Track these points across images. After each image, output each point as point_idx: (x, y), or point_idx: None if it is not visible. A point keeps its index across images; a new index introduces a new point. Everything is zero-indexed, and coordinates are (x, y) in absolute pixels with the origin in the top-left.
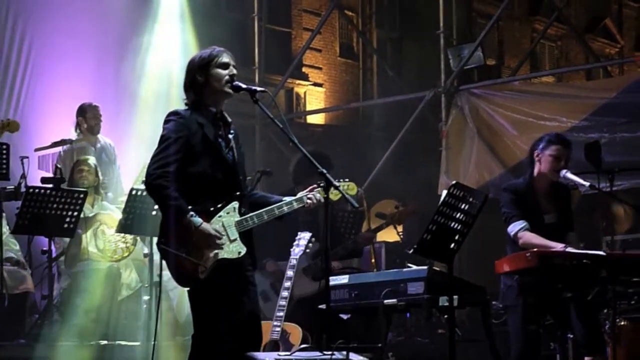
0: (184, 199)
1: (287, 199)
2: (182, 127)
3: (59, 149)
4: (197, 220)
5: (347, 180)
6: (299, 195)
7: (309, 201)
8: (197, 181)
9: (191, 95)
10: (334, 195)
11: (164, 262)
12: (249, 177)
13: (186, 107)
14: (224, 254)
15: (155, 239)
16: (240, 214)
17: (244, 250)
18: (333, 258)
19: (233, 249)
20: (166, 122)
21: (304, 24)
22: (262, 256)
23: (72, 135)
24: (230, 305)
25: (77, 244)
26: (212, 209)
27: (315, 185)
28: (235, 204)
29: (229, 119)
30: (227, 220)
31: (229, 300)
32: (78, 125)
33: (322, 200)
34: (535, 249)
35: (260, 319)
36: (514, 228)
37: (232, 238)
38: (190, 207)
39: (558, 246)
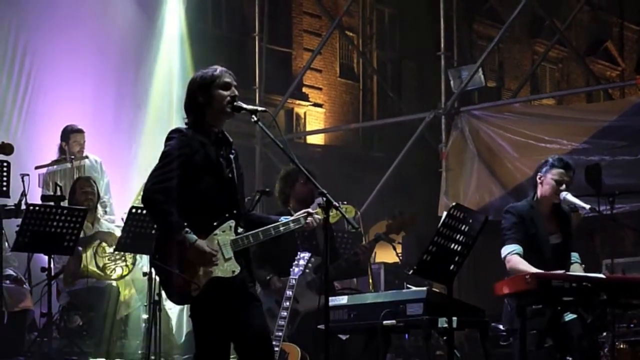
0: (181, 216)
1: (284, 219)
2: (185, 145)
3: (60, 166)
4: (192, 237)
5: (344, 202)
6: (296, 215)
7: (308, 221)
8: (196, 199)
9: (192, 116)
10: (332, 217)
11: None
12: (248, 198)
13: (187, 127)
14: (217, 272)
15: None
16: (236, 233)
17: (237, 270)
18: (335, 272)
19: (227, 267)
20: (168, 139)
21: (304, 44)
22: (266, 274)
23: (58, 157)
24: (232, 324)
25: (77, 262)
26: (207, 227)
27: (309, 209)
28: (232, 223)
29: (230, 139)
30: (222, 238)
31: (231, 319)
32: (61, 149)
33: (321, 221)
34: (534, 271)
35: (270, 333)
36: (504, 250)
37: (226, 257)
38: (186, 224)
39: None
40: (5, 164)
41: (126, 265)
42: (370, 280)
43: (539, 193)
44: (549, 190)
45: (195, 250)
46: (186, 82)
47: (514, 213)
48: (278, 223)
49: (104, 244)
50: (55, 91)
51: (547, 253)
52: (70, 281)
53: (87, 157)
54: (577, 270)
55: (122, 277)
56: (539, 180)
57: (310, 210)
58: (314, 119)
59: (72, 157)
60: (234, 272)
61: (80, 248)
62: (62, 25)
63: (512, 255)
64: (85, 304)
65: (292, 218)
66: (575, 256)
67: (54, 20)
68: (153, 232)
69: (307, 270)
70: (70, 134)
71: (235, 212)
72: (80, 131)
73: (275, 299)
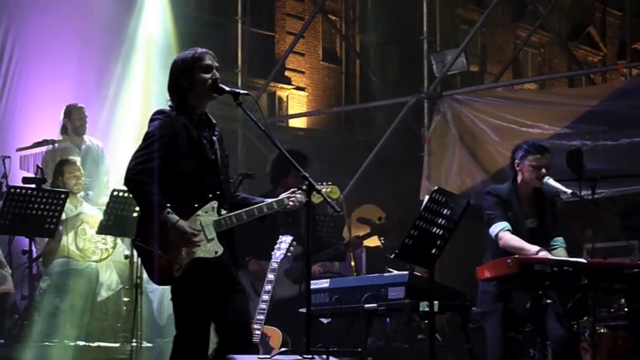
0: (165, 197)
1: (268, 200)
2: (168, 126)
3: (41, 149)
4: (174, 217)
5: (329, 182)
6: (280, 197)
7: (290, 203)
8: (179, 181)
9: (175, 98)
10: (315, 198)
11: None
12: (231, 180)
13: (171, 109)
14: (200, 252)
15: None
16: (219, 214)
17: (220, 250)
18: (315, 262)
19: (210, 248)
20: (152, 120)
21: (287, 28)
22: (244, 255)
23: (59, 136)
24: (213, 305)
25: (56, 243)
26: (189, 207)
27: (296, 189)
28: (214, 204)
29: (214, 121)
30: (204, 219)
31: (212, 300)
32: (64, 127)
33: (304, 202)
34: (516, 256)
35: (250, 318)
36: (495, 229)
37: (209, 237)
38: (168, 205)
39: (533, 249)
40: None
41: (106, 249)
42: (352, 264)
43: (519, 178)
44: (529, 176)
45: (177, 230)
46: (169, 62)
47: (493, 194)
48: (261, 204)
49: (85, 225)
50: (37, 73)
51: (523, 236)
52: (49, 262)
53: (67, 140)
54: (561, 254)
55: (101, 259)
56: (517, 168)
57: (294, 188)
58: (297, 102)
59: (54, 140)
60: (216, 252)
61: (61, 228)
62: (43, 9)
63: (504, 232)
64: (66, 287)
65: (275, 199)
66: (560, 241)
67: (36, 4)
68: (135, 215)
69: (289, 254)
70: (72, 110)
71: (218, 193)
72: (82, 108)
73: (251, 281)
